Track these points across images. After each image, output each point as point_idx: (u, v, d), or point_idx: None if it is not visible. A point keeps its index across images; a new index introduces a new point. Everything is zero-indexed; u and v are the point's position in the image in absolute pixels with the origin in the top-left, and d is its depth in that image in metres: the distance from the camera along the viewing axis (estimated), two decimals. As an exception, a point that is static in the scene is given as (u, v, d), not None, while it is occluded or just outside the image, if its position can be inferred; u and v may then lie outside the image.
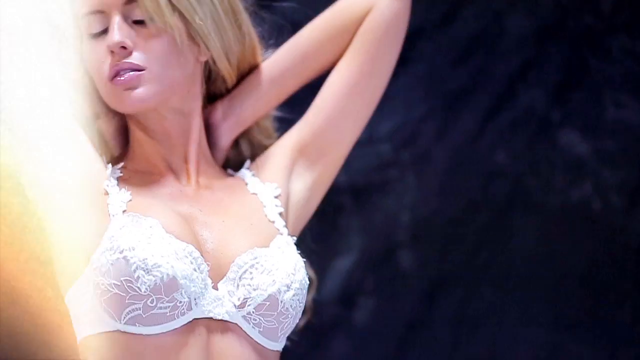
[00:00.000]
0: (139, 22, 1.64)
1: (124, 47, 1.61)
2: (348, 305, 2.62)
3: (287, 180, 1.78)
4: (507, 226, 2.70)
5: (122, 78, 1.61)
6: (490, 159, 2.69)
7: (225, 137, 1.80)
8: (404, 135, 2.67)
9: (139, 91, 1.62)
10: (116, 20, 1.62)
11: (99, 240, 1.53)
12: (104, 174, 1.61)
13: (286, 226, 1.72)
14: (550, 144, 2.69)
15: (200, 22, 1.65)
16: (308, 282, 1.65)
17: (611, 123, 2.68)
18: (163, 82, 1.63)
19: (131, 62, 1.61)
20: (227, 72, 1.75)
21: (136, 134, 1.70)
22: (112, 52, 1.62)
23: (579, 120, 2.68)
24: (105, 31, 1.64)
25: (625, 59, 2.69)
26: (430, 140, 2.65)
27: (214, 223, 1.64)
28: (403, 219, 2.69)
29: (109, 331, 1.53)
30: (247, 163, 1.81)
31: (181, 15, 1.63)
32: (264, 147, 1.84)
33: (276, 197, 1.75)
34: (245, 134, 1.83)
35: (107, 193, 1.60)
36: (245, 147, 1.84)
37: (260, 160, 1.82)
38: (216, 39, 1.68)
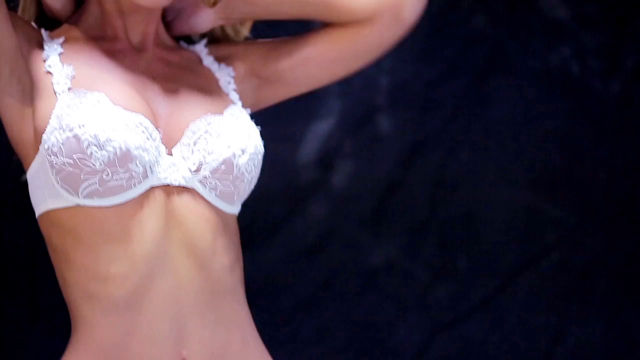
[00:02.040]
0: None
1: None
2: (327, 168, 2.64)
3: (239, 80, 1.78)
4: (485, 90, 2.71)
5: None
6: (469, 23, 2.69)
7: (205, 23, 1.78)
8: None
9: None
10: None
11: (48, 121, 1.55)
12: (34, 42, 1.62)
13: (240, 99, 1.74)
14: (530, 7, 2.68)
15: None
16: (263, 149, 1.68)
17: (591, -14, 2.67)
18: None
19: None
20: None
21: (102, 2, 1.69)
22: None
23: (559, -17, 2.68)
24: None
25: None
26: (410, 4, 2.65)
27: (167, 91, 1.64)
28: (382, 82, 2.70)
29: (69, 206, 1.57)
30: (205, 41, 1.81)
31: None
32: (227, 39, 1.83)
33: (231, 77, 1.76)
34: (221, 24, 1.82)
35: (49, 73, 1.60)
36: (209, 31, 1.83)
37: (220, 47, 1.81)
38: None
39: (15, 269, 2.44)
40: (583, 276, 2.73)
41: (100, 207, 1.57)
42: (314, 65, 1.79)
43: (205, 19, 1.77)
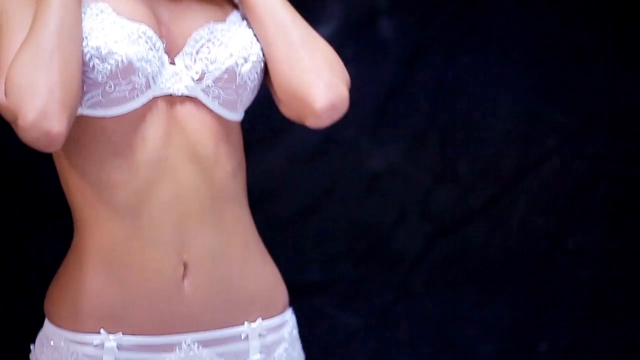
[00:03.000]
0: None
1: None
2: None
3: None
4: (487, -7, 2.69)
5: None
6: None
7: None
8: None
9: None
10: None
11: None
12: None
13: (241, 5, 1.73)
14: None
15: None
16: (264, 57, 1.68)
17: None
18: None
19: None
20: None
21: None
22: None
23: None
24: None
25: None
26: None
27: None
28: (383, -14, 2.68)
29: None
30: None
31: None
32: None
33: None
34: None
35: None
36: None
37: None
38: None
39: (19, 172, 2.45)
40: (583, 181, 2.74)
41: (103, 117, 1.58)
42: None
43: None
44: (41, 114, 1.49)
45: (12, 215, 2.47)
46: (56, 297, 1.67)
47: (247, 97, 1.66)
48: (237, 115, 1.68)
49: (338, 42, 2.61)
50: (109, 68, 1.54)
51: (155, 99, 1.60)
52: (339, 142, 2.65)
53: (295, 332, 1.78)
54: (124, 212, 1.60)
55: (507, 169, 2.72)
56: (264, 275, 1.71)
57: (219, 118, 1.65)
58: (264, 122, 2.38)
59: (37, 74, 1.50)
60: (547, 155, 2.72)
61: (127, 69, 1.55)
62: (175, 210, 1.61)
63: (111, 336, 1.61)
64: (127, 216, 1.60)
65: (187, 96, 1.62)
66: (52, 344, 1.65)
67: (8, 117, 1.51)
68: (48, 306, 1.68)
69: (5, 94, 1.50)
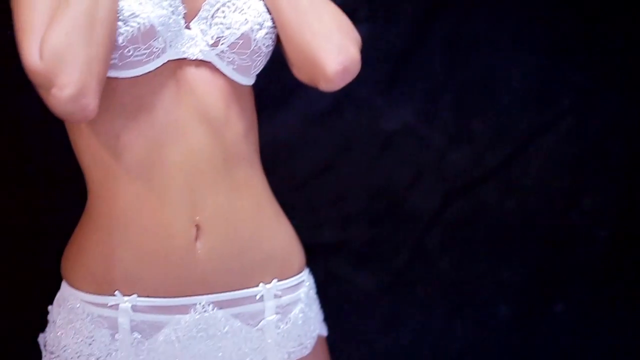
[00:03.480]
0: None
1: None
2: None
3: None
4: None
5: None
6: None
7: None
8: None
9: None
10: None
11: None
12: None
13: None
14: None
15: None
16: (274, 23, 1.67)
17: None
18: None
19: None
20: None
21: None
22: None
23: None
24: None
25: None
26: None
27: None
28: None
29: None
30: None
31: None
32: None
33: None
34: None
35: None
36: None
37: None
38: None
39: (31, 135, 2.45)
40: (599, 140, 2.72)
41: (115, 78, 1.58)
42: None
43: None
44: (80, 90, 1.49)
45: (26, 179, 2.48)
46: (72, 259, 1.68)
47: (260, 62, 1.67)
48: (249, 80, 1.68)
49: (352, 3, 2.62)
50: (130, 31, 1.54)
51: (169, 62, 1.61)
52: (354, 102, 2.64)
53: (313, 292, 1.78)
54: (135, 174, 1.60)
55: (522, 128, 2.71)
56: (278, 236, 1.71)
57: (231, 81, 1.65)
58: (278, 82, 2.37)
59: (79, 44, 1.48)
60: (562, 114, 2.71)
61: (148, 33, 1.55)
62: (186, 171, 1.61)
63: (126, 298, 1.61)
64: (138, 178, 1.60)
65: (201, 60, 1.63)
66: (68, 305, 1.66)
67: (39, 81, 1.49)
68: (64, 268, 1.69)
69: (41, 57, 1.48)
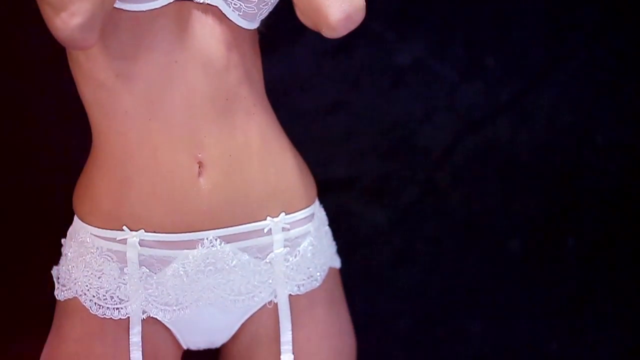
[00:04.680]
0: None
1: None
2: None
3: None
4: None
5: None
6: None
7: None
8: None
9: None
10: None
11: None
12: None
13: None
14: None
15: None
16: None
17: None
18: None
19: None
20: None
21: None
22: None
23: None
24: None
25: None
26: None
27: None
28: None
29: None
30: None
31: None
32: None
33: None
34: None
35: None
36: None
37: None
38: None
39: (44, 70, 2.44)
40: (612, 75, 2.70)
41: (118, 9, 1.57)
42: None
43: None
44: (86, 22, 1.49)
45: (40, 112, 2.48)
46: (81, 193, 1.69)
47: (267, 10, 1.66)
48: (253, 25, 1.68)
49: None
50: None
51: (175, 2, 1.60)
52: (364, 36, 2.63)
53: (323, 225, 1.79)
54: (133, 114, 1.61)
55: (535, 63, 2.69)
56: (286, 169, 1.71)
57: (234, 26, 1.65)
58: (288, 18, 2.35)
59: None
60: (575, 49, 2.69)
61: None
62: (186, 111, 1.61)
63: (133, 233, 1.62)
64: (137, 118, 1.61)
65: (208, 4, 1.62)
66: (79, 238, 1.67)
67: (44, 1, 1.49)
68: (75, 202, 1.70)
69: None
